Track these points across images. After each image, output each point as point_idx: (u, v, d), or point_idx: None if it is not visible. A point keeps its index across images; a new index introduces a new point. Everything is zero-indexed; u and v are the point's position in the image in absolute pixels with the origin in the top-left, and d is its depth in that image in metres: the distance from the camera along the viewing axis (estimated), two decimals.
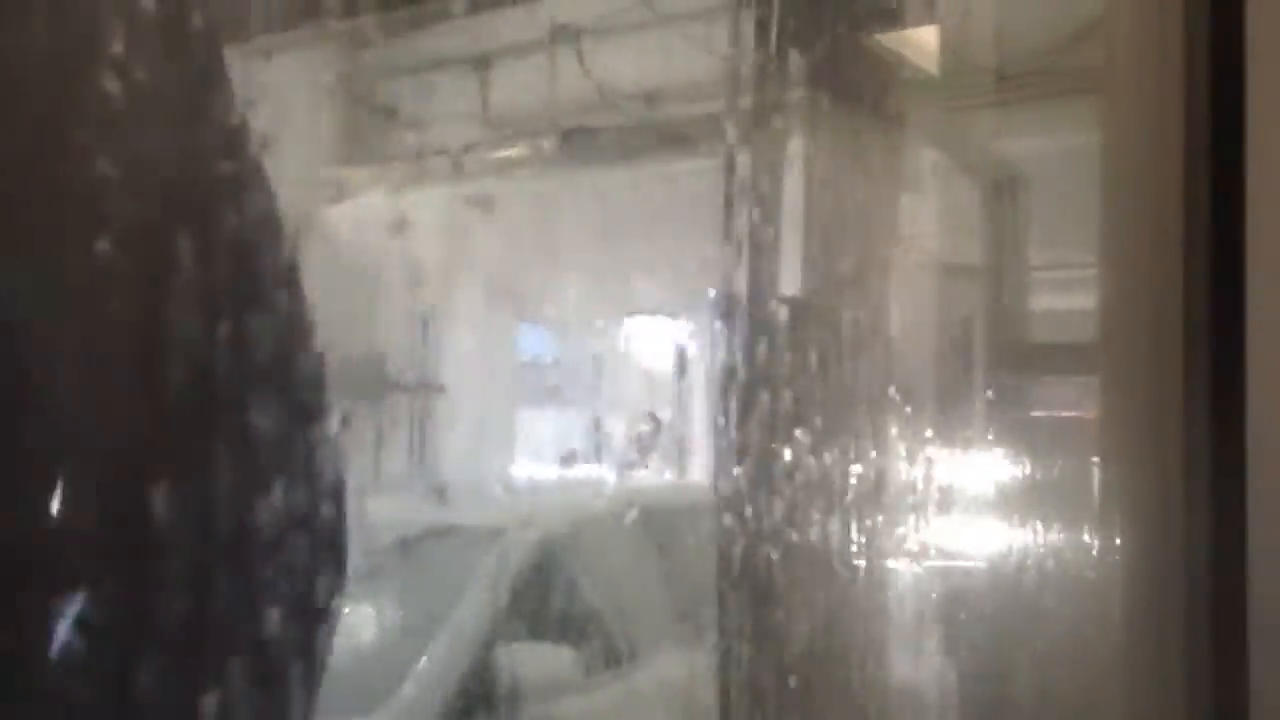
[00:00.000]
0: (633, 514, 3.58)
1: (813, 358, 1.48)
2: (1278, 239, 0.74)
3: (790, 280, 1.50)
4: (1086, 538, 1.09)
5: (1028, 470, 1.91)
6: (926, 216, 1.81)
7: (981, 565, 2.04)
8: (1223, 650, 0.71)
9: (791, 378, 1.47)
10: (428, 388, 5.57)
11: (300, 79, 5.50)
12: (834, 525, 1.41)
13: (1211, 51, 0.76)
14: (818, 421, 1.37)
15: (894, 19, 1.61)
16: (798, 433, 1.38)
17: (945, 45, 1.68)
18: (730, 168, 1.58)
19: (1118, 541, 0.76)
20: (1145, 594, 0.75)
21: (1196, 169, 0.75)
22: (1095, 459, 0.80)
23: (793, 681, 1.40)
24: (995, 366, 1.88)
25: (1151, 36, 0.78)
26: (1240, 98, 0.75)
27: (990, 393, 1.97)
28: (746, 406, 1.40)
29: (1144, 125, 0.77)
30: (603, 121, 4.06)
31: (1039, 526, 1.55)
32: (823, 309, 1.51)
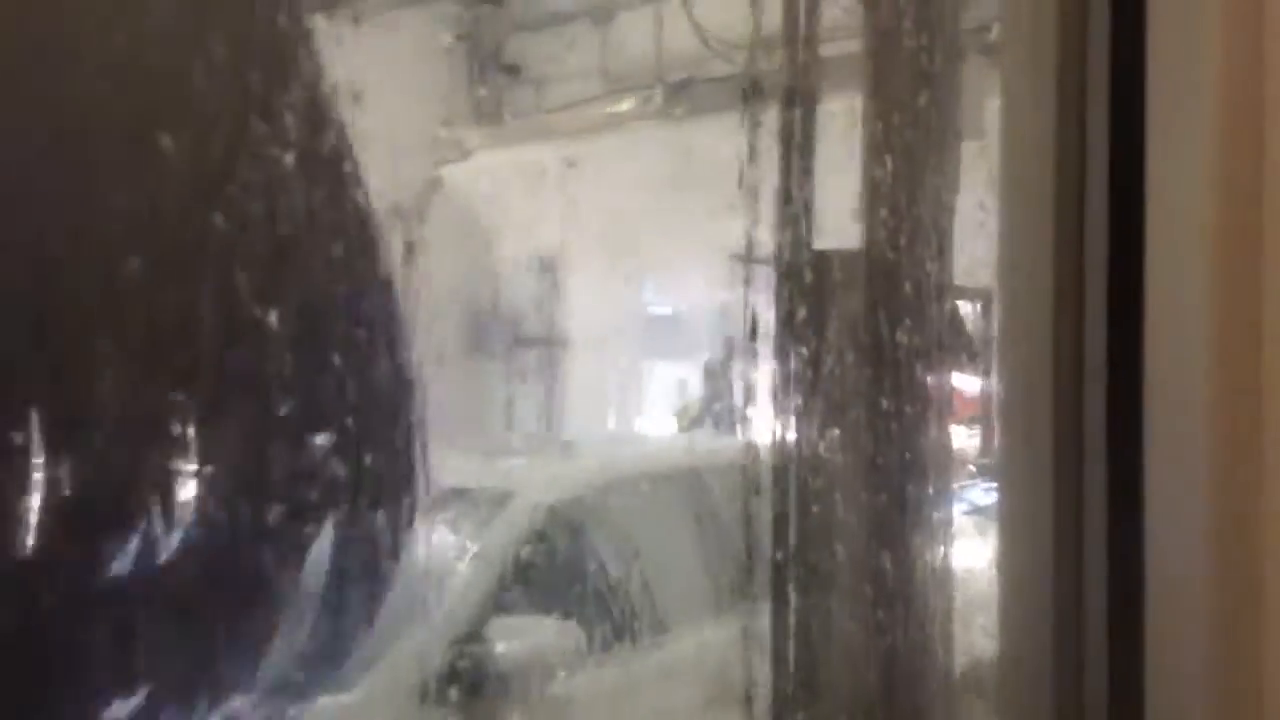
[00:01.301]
0: (677, 477, 3.39)
1: (883, 311, 1.48)
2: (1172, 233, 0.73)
3: (858, 232, 1.51)
4: None
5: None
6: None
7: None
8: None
9: (859, 331, 1.48)
10: (552, 342, 5.67)
11: (424, 40, 5.61)
12: (896, 489, 1.42)
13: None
14: (884, 380, 1.37)
15: None
16: (862, 391, 1.40)
17: None
18: (802, 118, 1.59)
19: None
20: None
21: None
22: None
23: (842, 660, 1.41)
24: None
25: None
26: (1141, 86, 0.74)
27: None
28: (806, 364, 1.41)
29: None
30: (712, 72, 4.06)
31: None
32: (894, 261, 1.51)
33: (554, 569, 3.11)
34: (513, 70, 5.70)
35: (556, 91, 5.10)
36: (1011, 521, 0.79)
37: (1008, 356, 0.79)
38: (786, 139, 1.60)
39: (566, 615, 2.99)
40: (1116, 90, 0.75)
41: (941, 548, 1.48)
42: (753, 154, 1.85)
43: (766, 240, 1.69)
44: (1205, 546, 0.71)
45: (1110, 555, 0.72)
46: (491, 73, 5.68)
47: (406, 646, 2.60)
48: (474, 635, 2.76)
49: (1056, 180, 0.76)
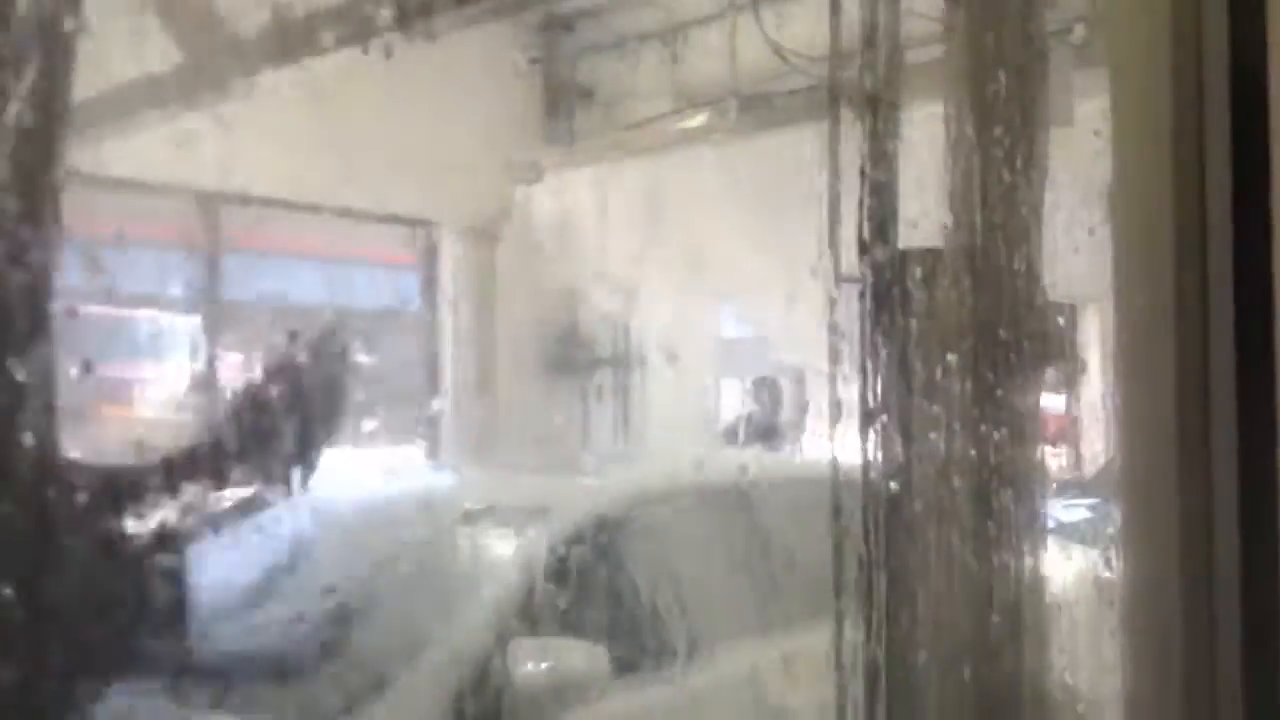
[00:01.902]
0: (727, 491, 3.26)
1: (972, 314, 1.46)
2: None
3: (935, 233, 1.49)
4: None
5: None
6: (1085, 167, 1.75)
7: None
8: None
9: (947, 338, 1.45)
10: (626, 361, 5.68)
11: (497, 63, 5.67)
12: (974, 505, 1.39)
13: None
14: (975, 389, 1.34)
15: None
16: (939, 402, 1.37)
17: None
18: (842, 123, 1.58)
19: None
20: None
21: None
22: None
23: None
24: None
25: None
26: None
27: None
28: (889, 374, 1.39)
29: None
30: (786, 85, 4.05)
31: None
32: (972, 264, 1.49)
33: (582, 588, 2.95)
34: (586, 92, 5.74)
35: (629, 110, 5.12)
36: (1136, 537, 0.75)
37: (1130, 365, 0.76)
38: (869, 147, 1.58)
39: (594, 637, 2.85)
40: (1237, 86, 0.72)
41: (1036, 570, 1.45)
42: (833, 165, 1.84)
43: (847, 254, 1.67)
44: None
45: (1244, 572, 0.68)
46: (565, 95, 5.72)
47: (424, 666, 2.55)
48: (494, 656, 2.65)
49: (1175, 185, 0.73)
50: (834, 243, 1.69)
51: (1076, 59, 2.21)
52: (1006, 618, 1.45)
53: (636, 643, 2.97)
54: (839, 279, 1.65)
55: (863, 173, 1.47)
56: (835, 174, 1.58)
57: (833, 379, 1.75)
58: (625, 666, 2.85)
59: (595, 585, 2.99)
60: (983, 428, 1.48)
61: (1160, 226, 0.84)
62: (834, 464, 1.69)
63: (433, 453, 4.86)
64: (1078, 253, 1.85)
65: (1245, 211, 0.77)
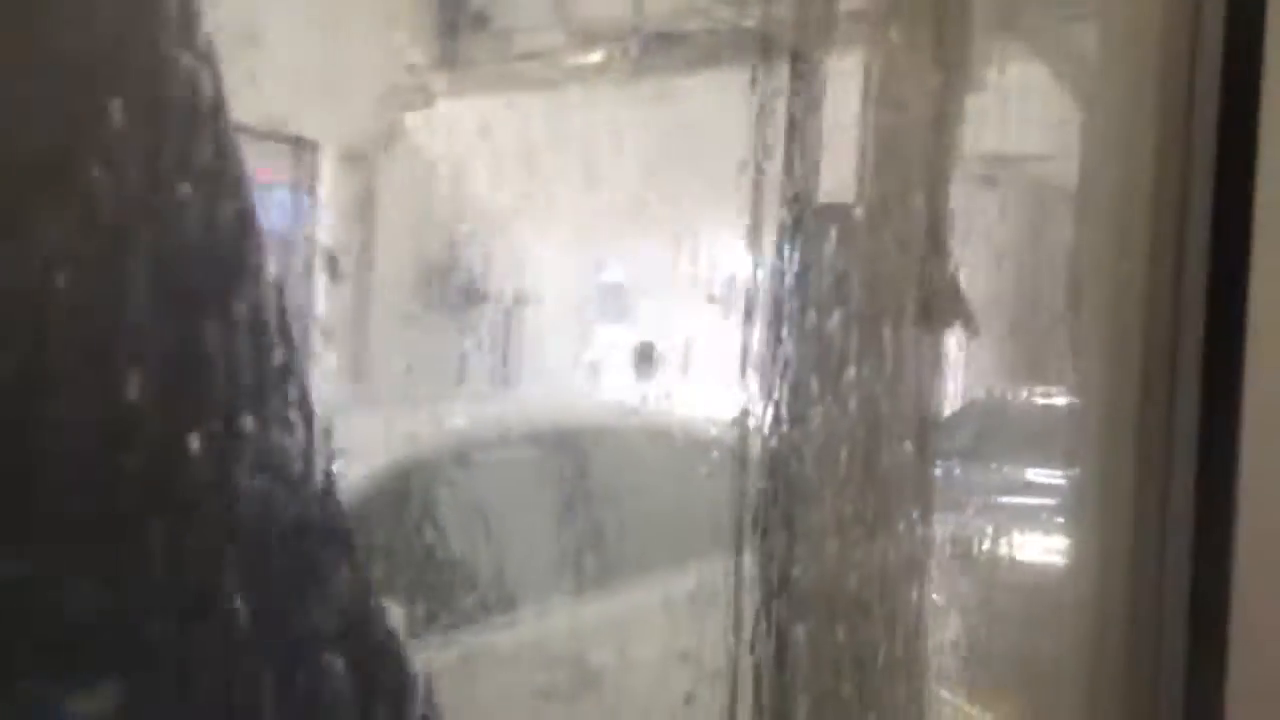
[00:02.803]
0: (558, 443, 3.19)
1: (857, 275, 1.42)
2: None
3: (841, 191, 1.44)
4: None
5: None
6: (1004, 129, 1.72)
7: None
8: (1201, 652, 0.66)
9: (846, 293, 1.41)
10: (507, 299, 5.56)
11: None
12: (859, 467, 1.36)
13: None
14: (870, 346, 1.31)
15: None
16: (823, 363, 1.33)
17: None
18: (770, 73, 1.52)
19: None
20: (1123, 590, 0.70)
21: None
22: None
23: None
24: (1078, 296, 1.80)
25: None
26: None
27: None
28: (788, 327, 1.35)
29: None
30: (689, 26, 3.96)
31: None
32: (870, 219, 1.45)
33: (380, 539, 2.71)
34: (481, 19, 5.57)
35: (526, 41, 4.98)
36: (1088, 513, 0.72)
37: (1092, 348, 0.72)
38: (789, 96, 1.53)
39: (390, 594, 2.65)
40: (1228, 79, 0.68)
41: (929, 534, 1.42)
42: (744, 112, 1.77)
43: (747, 202, 1.61)
44: None
45: (1195, 555, 0.65)
46: (459, 20, 5.54)
47: None
48: None
49: (1156, 178, 0.69)
50: (755, 194, 1.63)
51: (997, 24, 2.18)
52: (897, 580, 1.42)
53: (443, 599, 2.83)
54: (756, 231, 1.59)
55: (788, 122, 1.42)
56: (761, 122, 1.51)
57: (742, 329, 1.69)
58: (426, 625, 2.68)
59: (396, 537, 2.77)
60: (878, 386, 1.45)
61: (1135, 223, 0.80)
62: (734, 419, 1.64)
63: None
64: (980, 217, 1.81)
65: (1225, 197, 0.73)
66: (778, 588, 1.28)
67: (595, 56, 4.43)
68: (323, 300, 5.46)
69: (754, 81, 1.54)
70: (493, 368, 5.76)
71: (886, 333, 1.27)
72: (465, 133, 4.86)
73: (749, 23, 1.94)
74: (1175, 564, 0.66)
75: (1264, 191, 0.63)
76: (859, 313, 1.26)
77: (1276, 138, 0.63)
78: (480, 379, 5.71)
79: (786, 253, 1.31)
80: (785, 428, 1.30)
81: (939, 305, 1.32)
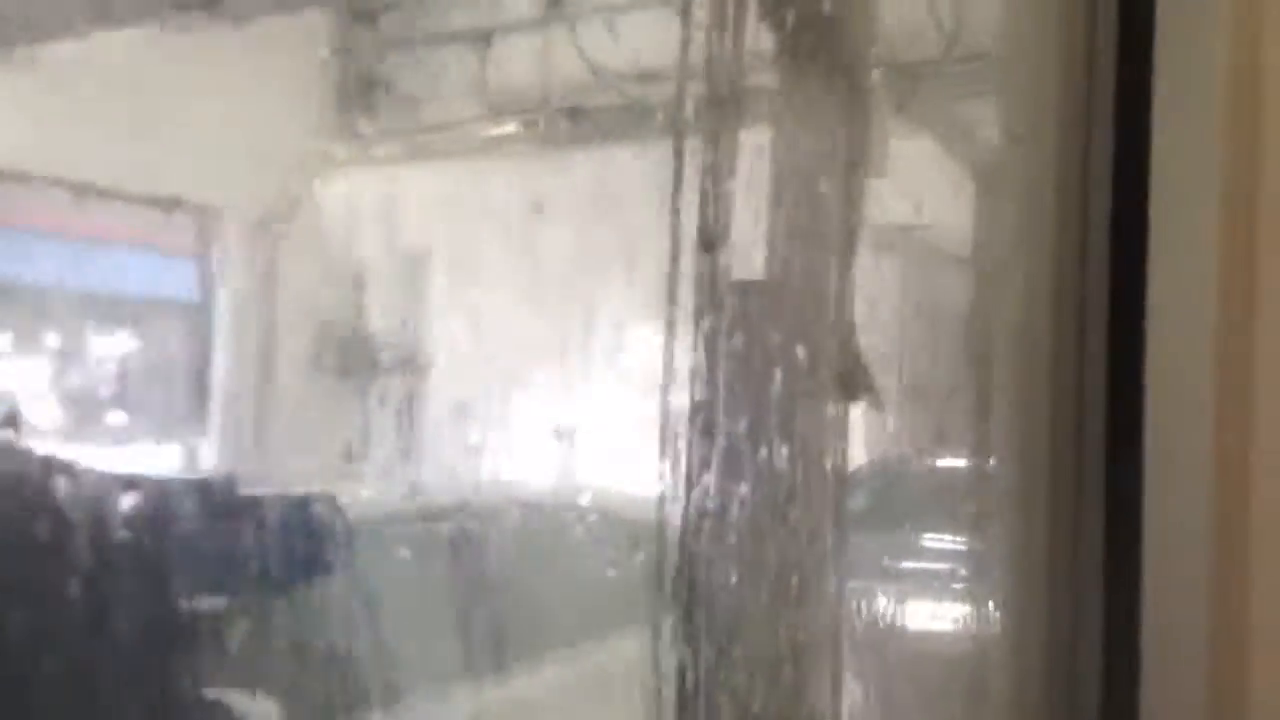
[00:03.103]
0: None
1: (763, 348, 1.43)
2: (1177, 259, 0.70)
3: (748, 265, 1.46)
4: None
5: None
6: (900, 202, 1.76)
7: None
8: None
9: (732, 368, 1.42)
10: (414, 366, 5.52)
11: (299, 52, 5.45)
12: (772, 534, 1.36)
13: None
14: (777, 418, 1.32)
15: None
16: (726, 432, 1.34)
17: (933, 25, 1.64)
18: (685, 150, 1.54)
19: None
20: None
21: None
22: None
23: None
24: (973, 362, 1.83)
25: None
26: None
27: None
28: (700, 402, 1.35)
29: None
30: (599, 101, 4.01)
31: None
32: (781, 295, 1.46)
33: (256, 630, 2.50)
34: (386, 89, 5.58)
35: (434, 111, 5.00)
36: (1001, 575, 0.73)
37: (1000, 411, 0.74)
38: (695, 172, 1.54)
39: (266, 689, 2.41)
40: (1120, 149, 0.71)
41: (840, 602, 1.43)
42: (655, 185, 1.78)
43: (660, 276, 1.62)
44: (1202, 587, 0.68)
45: (1107, 593, 0.67)
46: (366, 90, 5.54)
47: None
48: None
49: (1055, 243, 0.72)
50: (672, 264, 1.64)
51: (897, 112, 2.25)
52: (807, 648, 1.42)
53: (322, 693, 2.58)
54: (671, 299, 1.60)
55: (700, 196, 1.43)
56: (676, 193, 1.52)
57: (655, 402, 1.70)
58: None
59: (274, 626, 2.59)
60: (787, 463, 1.46)
61: (1038, 287, 0.82)
62: (646, 493, 1.63)
63: (191, 455, 4.61)
64: (884, 287, 1.85)
65: (1122, 255, 0.75)
66: (695, 661, 1.27)
67: (506, 128, 4.46)
68: (222, 369, 5.33)
69: (671, 155, 1.55)
70: (395, 439, 5.67)
71: (798, 405, 1.28)
72: (372, 201, 4.84)
73: (658, 99, 1.96)
74: (1088, 623, 0.67)
75: (1157, 242, 0.66)
76: (771, 385, 1.27)
77: (1166, 198, 0.66)
78: (382, 450, 5.61)
79: (700, 327, 1.32)
80: (701, 501, 1.30)
81: (846, 378, 1.34)
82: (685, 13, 1.33)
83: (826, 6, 1.33)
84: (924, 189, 2.11)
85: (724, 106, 1.52)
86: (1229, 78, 0.68)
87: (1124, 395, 0.70)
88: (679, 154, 1.43)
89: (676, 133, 1.76)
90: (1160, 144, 0.69)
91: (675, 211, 1.60)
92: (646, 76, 3.29)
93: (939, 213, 2.44)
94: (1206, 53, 0.68)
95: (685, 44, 1.40)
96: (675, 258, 1.53)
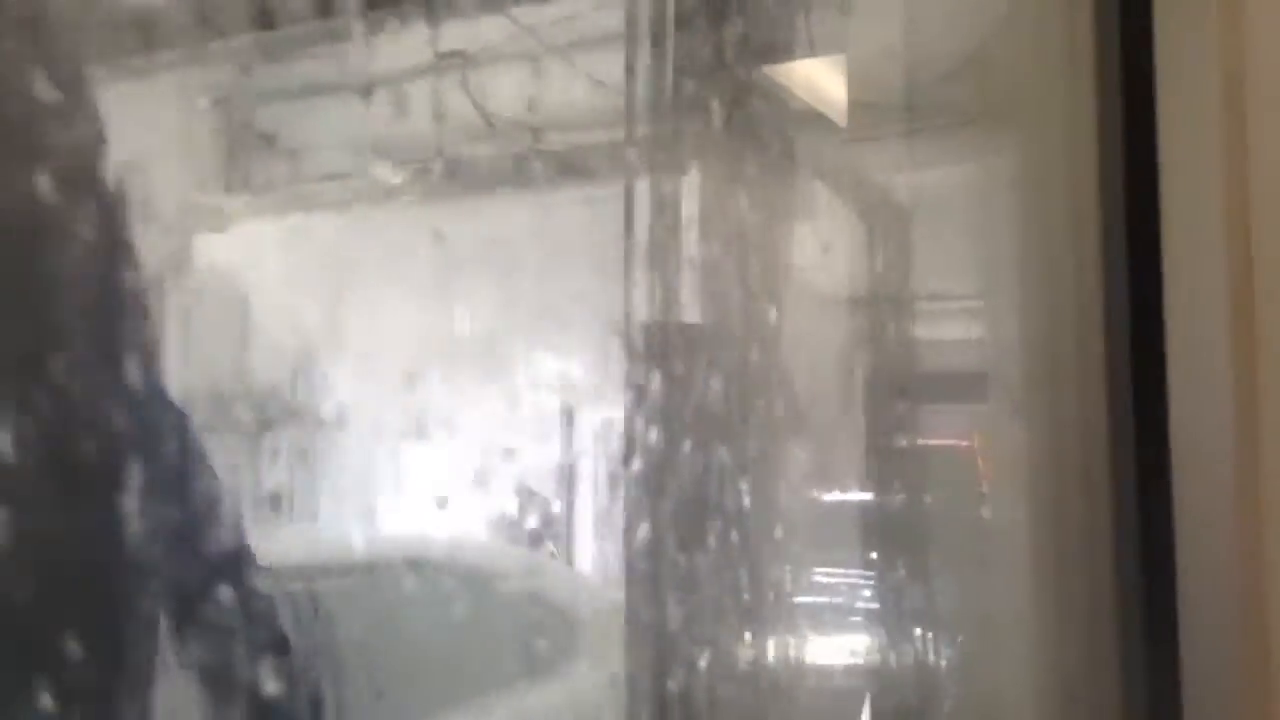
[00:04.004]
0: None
1: (707, 395, 1.44)
2: (1193, 257, 0.72)
3: (683, 311, 1.46)
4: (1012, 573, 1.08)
5: (924, 506, 1.90)
6: (822, 248, 1.79)
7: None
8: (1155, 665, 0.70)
9: (676, 414, 1.43)
10: (306, 422, 5.42)
11: (177, 103, 5.35)
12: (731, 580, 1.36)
13: (1124, 68, 0.75)
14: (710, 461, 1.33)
15: (795, 50, 1.60)
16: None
17: (851, 76, 1.68)
18: (624, 199, 1.54)
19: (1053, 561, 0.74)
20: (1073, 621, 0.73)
21: (1111, 193, 0.73)
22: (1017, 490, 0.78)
23: None
24: (892, 398, 1.87)
25: (1058, 56, 0.77)
26: (1151, 115, 0.74)
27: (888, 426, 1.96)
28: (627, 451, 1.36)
29: (1055, 151, 0.76)
30: (488, 150, 4.01)
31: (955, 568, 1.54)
32: (714, 344, 1.48)
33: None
34: (268, 140, 5.50)
35: (321, 162, 4.95)
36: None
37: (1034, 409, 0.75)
38: (600, 217, 1.55)
39: None
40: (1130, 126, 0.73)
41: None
42: (555, 232, 1.79)
43: (563, 320, 1.62)
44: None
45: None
46: (248, 142, 5.46)
47: None
48: None
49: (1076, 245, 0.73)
50: (535, 311, 1.64)
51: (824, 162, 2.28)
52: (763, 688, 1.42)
53: None
54: (620, 344, 1.59)
55: (631, 241, 1.44)
56: (589, 239, 1.52)
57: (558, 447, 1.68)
58: None
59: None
60: (726, 502, 1.46)
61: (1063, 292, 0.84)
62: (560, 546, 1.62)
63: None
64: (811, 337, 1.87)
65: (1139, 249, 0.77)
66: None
67: (396, 178, 4.43)
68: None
69: (565, 201, 1.55)
70: (290, 496, 5.55)
71: (742, 445, 1.28)
72: (261, 254, 4.76)
73: (552, 147, 1.97)
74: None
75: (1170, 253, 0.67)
76: (709, 428, 1.27)
77: (1175, 210, 0.68)
78: (274, 507, 5.49)
79: (631, 373, 1.32)
80: (639, 551, 1.30)
81: (777, 418, 1.36)
82: (631, 62, 1.34)
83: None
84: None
85: (625, 151, 1.54)
86: (1222, 82, 0.70)
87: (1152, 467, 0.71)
88: (629, 194, 1.44)
89: (569, 175, 1.77)
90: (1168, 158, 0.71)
91: (586, 253, 1.61)
92: (538, 126, 3.29)
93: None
94: (1203, 58, 0.70)
95: (631, 93, 1.41)
96: (582, 299, 1.53)
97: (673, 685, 1.31)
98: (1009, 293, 0.90)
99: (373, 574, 3.23)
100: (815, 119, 1.88)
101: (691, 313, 1.37)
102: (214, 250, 4.73)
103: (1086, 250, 0.72)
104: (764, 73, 1.55)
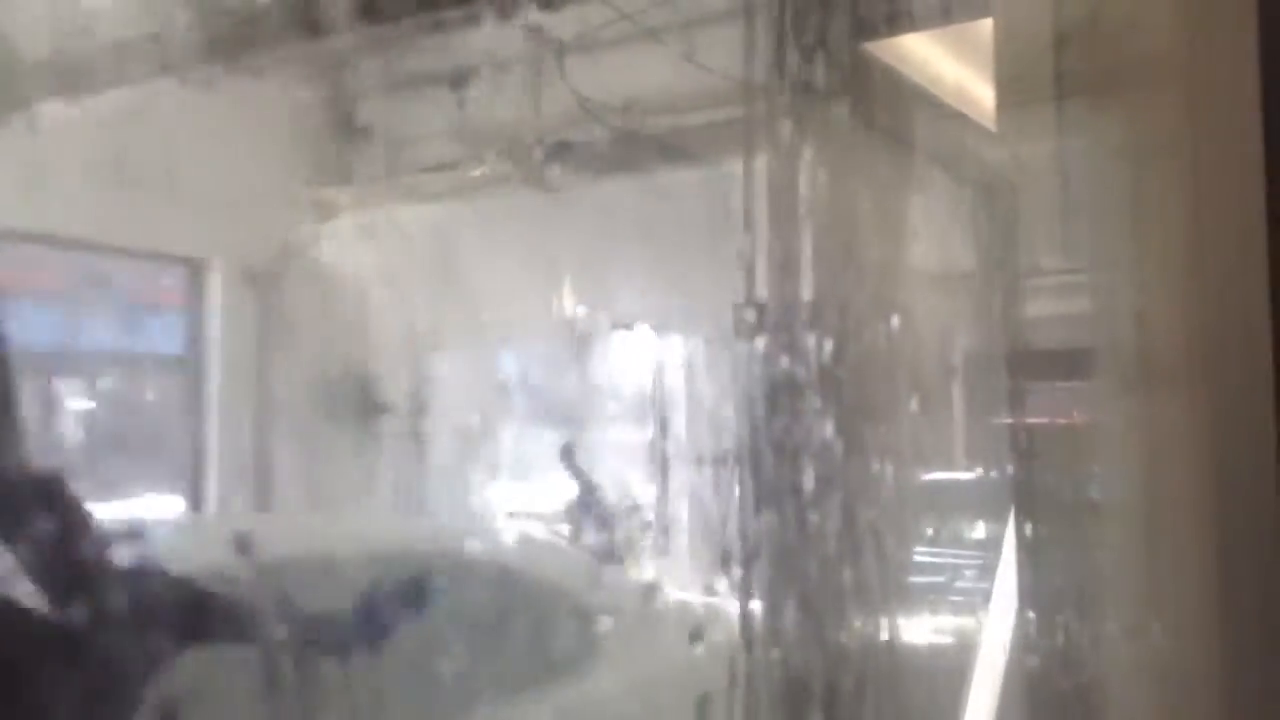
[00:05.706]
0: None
1: (824, 374, 1.42)
2: None
3: (800, 290, 1.44)
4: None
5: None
6: (937, 224, 1.75)
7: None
8: None
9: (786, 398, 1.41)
10: (411, 409, 5.49)
11: (280, 100, 5.44)
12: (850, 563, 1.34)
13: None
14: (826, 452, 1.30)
15: (901, 24, 1.56)
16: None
17: (962, 47, 1.64)
18: (740, 179, 1.52)
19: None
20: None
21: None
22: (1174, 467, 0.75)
23: None
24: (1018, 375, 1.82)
25: (1219, 16, 0.74)
26: None
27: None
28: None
29: (1219, 120, 0.72)
30: (584, 136, 4.00)
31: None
32: (828, 323, 1.45)
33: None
34: (368, 133, 5.57)
35: (422, 152, 4.99)
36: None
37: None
38: (707, 202, 1.53)
39: None
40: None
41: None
42: (660, 219, 1.77)
43: (671, 309, 1.61)
44: None
45: None
46: (354, 136, 5.53)
47: None
48: None
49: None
50: (636, 292, 1.62)
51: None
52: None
53: None
54: (714, 334, 1.58)
55: (745, 223, 1.42)
56: (731, 220, 1.51)
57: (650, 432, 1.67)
58: None
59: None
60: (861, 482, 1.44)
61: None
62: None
63: (195, 505, 4.65)
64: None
65: None
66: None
67: (500, 167, 4.45)
68: (217, 420, 5.28)
69: (712, 180, 1.54)
70: (396, 484, 5.63)
71: (860, 425, 1.26)
72: (366, 244, 4.82)
73: (652, 130, 1.95)
74: None
75: None
76: (827, 406, 1.25)
77: None
78: (384, 496, 5.57)
79: (749, 353, 1.30)
80: (754, 543, 1.28)
81: (910, 398, 1.33)
82: (749, 42, 1.32)
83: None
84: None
85: (722, 133, 1.52)
86: None
87: None
88: (748, 173, 1.42)
89: (668, 161, 1.75)
90: None
91: (708, 238, 1.59)
92: (631, 109, 3.27)
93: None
94: None
95: (749, 79, 1.39)
96: (686, 286, 1.52)
97: (815, 671, 1.30)
98: (1134, 267, 0.87)
99: (468, 569, 3.22)
100: (934, 98, 1.85)
101: (807, 291, 1.35)
102: (321, 242, 4.81)
103: (1251, 224, 0.69)
104: (879, 46, 1.52)
